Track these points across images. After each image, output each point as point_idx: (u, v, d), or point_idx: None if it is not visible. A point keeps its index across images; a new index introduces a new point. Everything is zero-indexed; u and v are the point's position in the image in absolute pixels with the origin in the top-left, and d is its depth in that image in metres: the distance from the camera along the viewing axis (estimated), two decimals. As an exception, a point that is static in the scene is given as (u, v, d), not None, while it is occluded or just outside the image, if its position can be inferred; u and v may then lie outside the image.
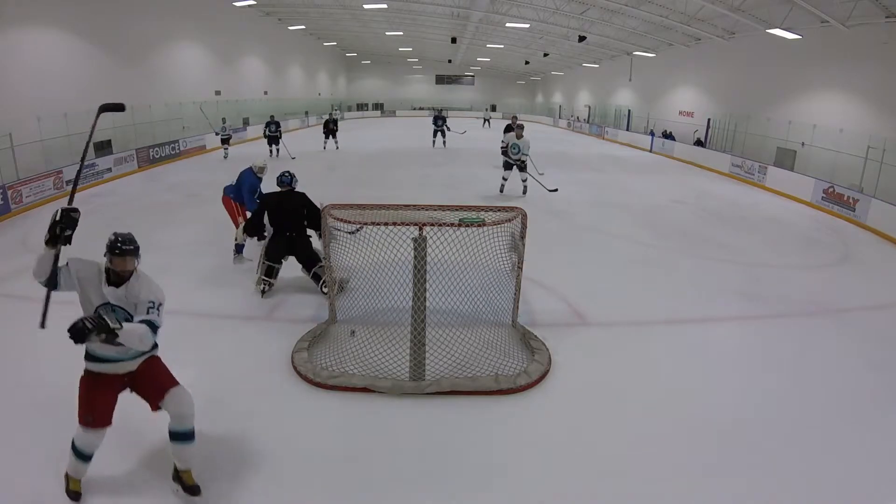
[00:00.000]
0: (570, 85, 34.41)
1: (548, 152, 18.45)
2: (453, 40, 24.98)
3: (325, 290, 4.86)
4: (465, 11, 21.11)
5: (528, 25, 20.46)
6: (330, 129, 17.61)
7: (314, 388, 3.64)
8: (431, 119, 19.37)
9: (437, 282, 3.89)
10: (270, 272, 5.17)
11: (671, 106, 21.05)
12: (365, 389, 3.59)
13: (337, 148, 17.43)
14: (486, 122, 30.34)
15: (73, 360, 3.99)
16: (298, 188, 5.38)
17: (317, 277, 5.16)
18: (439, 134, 18.44)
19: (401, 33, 27.52)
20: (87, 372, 2.65)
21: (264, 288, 5.18)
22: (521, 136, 9.86)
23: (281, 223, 5.17)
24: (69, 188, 10.23)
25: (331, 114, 23.32)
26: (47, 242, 2.39)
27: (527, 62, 32.58)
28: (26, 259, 6.33)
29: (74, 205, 2.55)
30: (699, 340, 4.64)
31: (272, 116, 16.20)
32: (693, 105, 19.57)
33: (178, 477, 2.67)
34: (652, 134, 20.76)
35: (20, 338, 4.32)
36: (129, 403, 3.48)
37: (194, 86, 18.50)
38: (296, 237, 5.19)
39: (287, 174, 5.33)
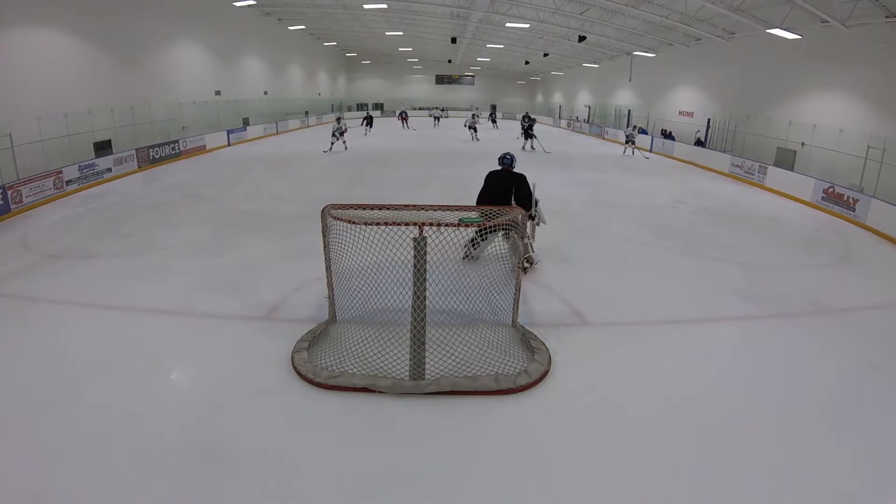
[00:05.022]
0: (570, 85, 34.40)
1: (547, 153, 18.46)
2: (453, 40, 24.96)
3: (526, 265, 5.40)
4: (465, 11, 21.10)
5: (528, 25, 20.45)
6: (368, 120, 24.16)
7: (314, 388, 3.64)
8: (521, 119, 21.50)
9: (437, 282, 3.89)
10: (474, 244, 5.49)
11: (671, 106, 21.05)
12: (365, 389, 3.59)
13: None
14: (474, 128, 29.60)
15: (72, 362, 4.00)
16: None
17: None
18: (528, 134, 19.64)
19: (401, 33, 27.52)
20: None
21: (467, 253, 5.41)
22: None
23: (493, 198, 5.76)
24: (69, 188, 10.26)
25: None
26: None
27: (527, 62, 32.59)
28: (26, 259, 6.38)
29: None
30: (699, 340, 4.64)
31: None
32: (693, 105, 19.56)
33: None
34: (643, 132, 20.68)
35: (20, 338, 4.33)
36: (128, 404, 3.49)
37: (194, 86, 18.52)
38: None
39: (508, 155, 6.13)
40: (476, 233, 5.16)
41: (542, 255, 6.28)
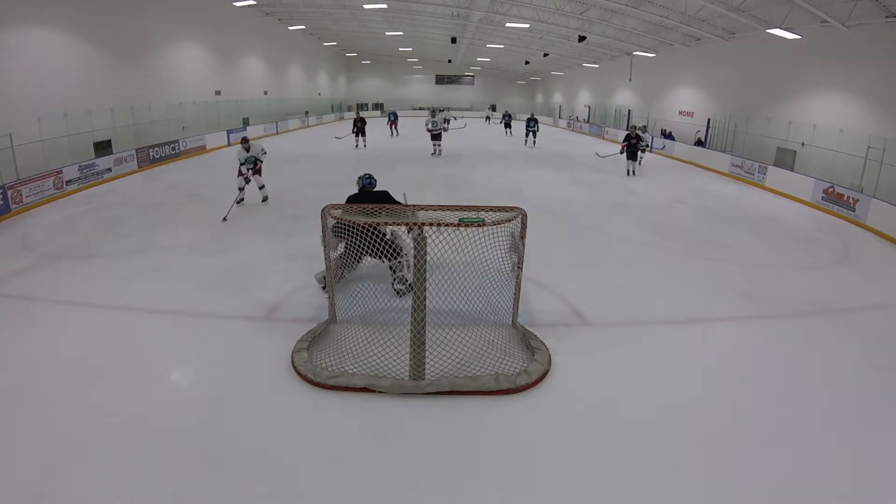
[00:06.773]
0: (570, 85, 34.41)
1: (547, 152, 18.48)
2: (453, 40, 24.96)
3: (396, 286, 5.05)
4: (465, 11, 21.09)
5: (528, 25, 20.45)
6: (359, 127, 18.07)
7: (314, 388, 3.64)
8: (525, 121, 20.92)
9: (437, 282, 3.89)
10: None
11: (671, 106, 21.06)
12: (365, 389, 3.59)
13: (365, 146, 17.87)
14: (488, 120, 33.04)
15: (71, 362, 4.00)
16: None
17: (392, 270, 5.15)
18: (531, 134, 20.02)
19: (401, 33, 27.51)
20: None
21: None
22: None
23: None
24: (69, 188, 10.26)
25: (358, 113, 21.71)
26: None
27: (527, 62, 32.58)
28: (26, 259, 6.38)
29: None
30: (699, 340, 4.64)
31: None
32: (693, 105, 19.57)
33: None
34: (643, 128, 20.37)
35: (20, 338, 4.33)
36: (127, 404, 3.49)
37: (194, 86, 18.51)
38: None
39: (367, 176, 5.57)
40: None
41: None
